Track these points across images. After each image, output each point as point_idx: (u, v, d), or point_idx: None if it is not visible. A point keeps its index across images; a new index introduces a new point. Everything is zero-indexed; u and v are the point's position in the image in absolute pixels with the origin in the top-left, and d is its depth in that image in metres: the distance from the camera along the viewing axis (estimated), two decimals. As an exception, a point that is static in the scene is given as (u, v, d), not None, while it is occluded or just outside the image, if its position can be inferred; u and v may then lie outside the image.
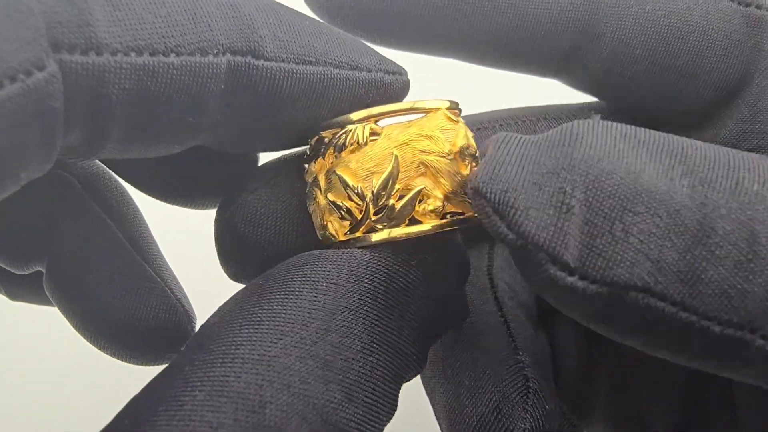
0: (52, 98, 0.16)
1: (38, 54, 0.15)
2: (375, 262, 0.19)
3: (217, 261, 0.23)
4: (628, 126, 0.17)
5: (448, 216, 0.20)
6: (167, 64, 0.17)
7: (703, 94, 0.24)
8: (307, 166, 0.22)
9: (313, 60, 0.20)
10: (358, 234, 0.20)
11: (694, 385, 0.25)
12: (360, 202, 0.20)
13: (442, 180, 0.19)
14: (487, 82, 0.36)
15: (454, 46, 0.25)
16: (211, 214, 0.24)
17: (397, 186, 0.19)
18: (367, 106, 0.21)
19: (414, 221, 0.19)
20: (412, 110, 0.20)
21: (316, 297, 0.18)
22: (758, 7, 0.24)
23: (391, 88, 0.22)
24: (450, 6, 0.23)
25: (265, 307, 0.17)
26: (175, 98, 0.18)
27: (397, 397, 0.19)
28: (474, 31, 0.24)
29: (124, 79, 0.17)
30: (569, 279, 0.16)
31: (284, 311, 0.17)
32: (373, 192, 0.19)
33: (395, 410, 0.18)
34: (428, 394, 0.25)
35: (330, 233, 0.20)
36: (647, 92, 0.24)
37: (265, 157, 0.24)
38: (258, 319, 0.17)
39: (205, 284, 0.24)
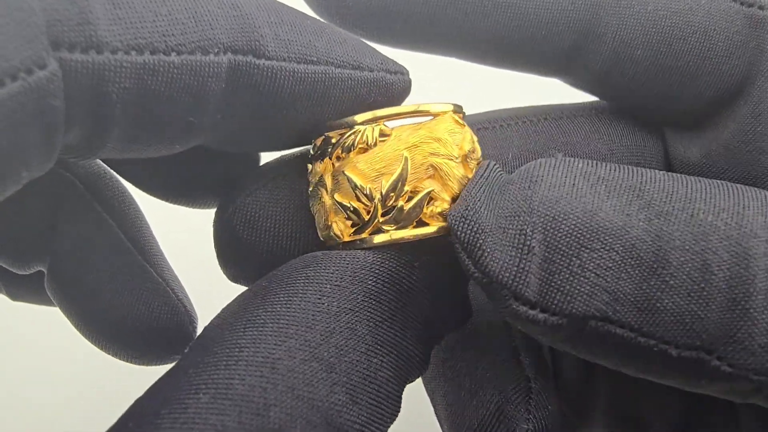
0: (53, 97, 0.15)
1: (39, 52, 0.15)
2: (378, 263, 0.19)
3: (218, 261, 0.23)
4: (589, 163, 0.18)
5: None
6: (168, 63, 0.17)
7: (704, 94, 0.24)
8: (310, 166, 0.21)
9: (315, 59, 0.20)
10: (363, 235, 0.20)
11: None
12: (368, 203, 0.19)
13: (450, 183, 0.19)
14: (487, 81, 0.36)
15: (454, 45, 0.25)
16: (213, 213, 0.24)
17: (406, 188, 0.19)
18: (370, 106, 0.21)
19: (421, 223, 0.19)
20: (417, 113, 0.20)
21: (319, 299, 0.18)
22: (761, 8, 0.23)
23: (393, 87, 0.21)
24: (451, 5, 0.23)
25: (269, 310, 0.17)
26: (176, 97, 0.17)
27: (401, 398, 0.18)
28: (475, 30, 0.24)
29: (124, 78, 0.16)
30: (531, 312, 0.17)
31: (288, 313, 0.17)
32: (381, 193, 0.19)
33: (399, 411, 0.18)
34: (429, 395, 0.25)
35: (334, 233, 0.20)
36: (648, 92, 0.24)
37: (266, 157, 0.24)
38: (262, 321, 0.17)
39: (206, 284, 0.23)
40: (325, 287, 0.18)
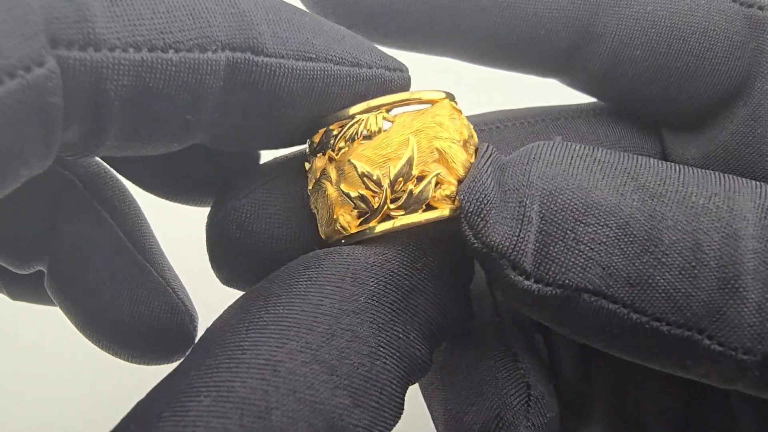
0: (51, 94, 0.15)
1: (37, 50, 0.15)
2: (379, 265, 0.19)
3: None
4: (586, 146, 0.19)
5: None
6: (166, 61, 0.17)
7: (703, 95, 0.23)
8: (308, 164, 0.21)
9: (313, 56, 0.19)
10: (372, 224, 0.19)
11: (693, 387, 0.24)
12: (377, 189, 0.19)
13: (454, 166, 0.19)
14: (484, 83, 0.36)
15: (452, 45, 0.24)
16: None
17: (414, 171, 0.19)
18: None
19: (429, 207, 0.19)
20: (410, 101, 0.20)
21: (321, 300, 0.17)
22: (761, 8, 0.23)
23: (392, 84, 0.21)
24: (449, 3, 0.23)
25: (271, 312, 0.17)
26: (174, 95, 0.17)
27: (404, 400, 0.18)
28: (473, 28, 0.23)
29: (122, 76, 0.16)
30: (526, 283, 0.18)
31: (289, 315, 0.17)
32: (390, 178, 0.19)
33: (401, 414, 0.18)
34: (426, 401, 0.24)
35: (341, 226, 0.20)
36: (646, 93, 0.24)
37: (266, 155, 0.24)
38: (263, 323, 0.17)
39: (207, 283, 0.23)
40: (327, 289, 0.18)
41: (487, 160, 0.19)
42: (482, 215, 0.18)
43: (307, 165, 0.21)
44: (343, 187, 0.19)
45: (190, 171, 0.24)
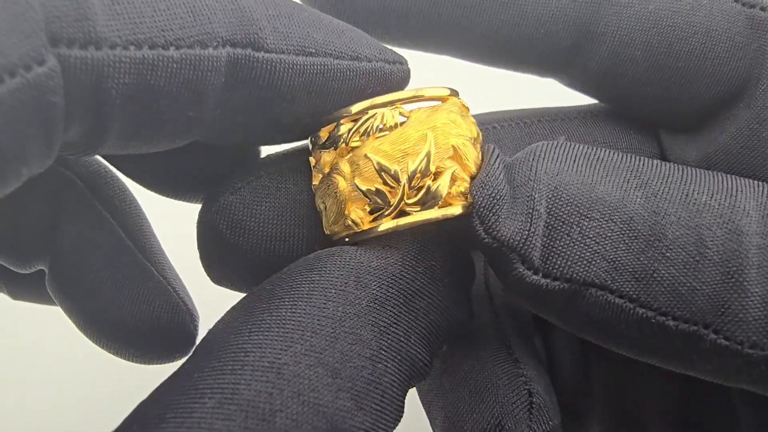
0: (52, 93, 0.15)
1: (38, 48, 0.15)
2: (382, 268, 0.18)
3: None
4: (589, 146, 0.19)
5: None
6: (167, 58, 0.17)
7: (703, 96, 0.23)
8: (313, 159, 0.21)
9: (313, 51, 0.19)
10: (385, 220, 0.19)
11: (693, 387, 0.24)
12: (394, 184, 0.19)
13: (467, 163, 0.19)
14: (482, 83, 0.36)
15: (452, 43, 0.24)
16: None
17: (431, 167, 0.19)
18: (369, 96, 0.20)
19: (444, 204, 0.19)
20: (415, 98, 0.20)
21: (324, 304, 0.17)
22: (763, 9, 0.23)
23: (391, 77, 0.21)
24: (449, 1, 0.23)
25: (274, 314, 0.17)
26: (176, 92, 0.17)
27: (404, 403, 0.18)
28: (473, 27, 0.23)
29: (123, 74, 0.16)
30: (534, 277, 0.18)
31: (293, 318, 0.17)
32: (408, 173, 0.19)
33: (401, 417, 0.18)
34: (425, 407, 0.24)
35: (352, 221, 0.19)
36: (646, 93, 0.23)
37: (266, 151, 0.24)
38: (267, 325, 0.16)
39: (207, 283, 0.23)
40: (330, 292, 0.17)
41: (496, 159, 0.19)
42: (494, 210, 0.18)
43: (312, 160, 0.21)
44: (357, 181, 0.19)
45: (190, 167, 0.23)
